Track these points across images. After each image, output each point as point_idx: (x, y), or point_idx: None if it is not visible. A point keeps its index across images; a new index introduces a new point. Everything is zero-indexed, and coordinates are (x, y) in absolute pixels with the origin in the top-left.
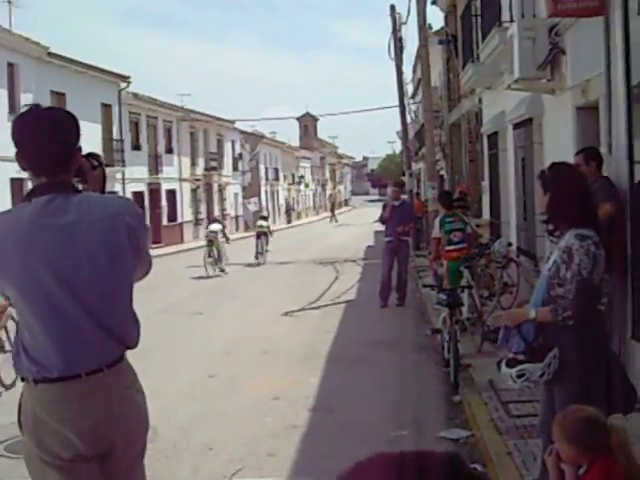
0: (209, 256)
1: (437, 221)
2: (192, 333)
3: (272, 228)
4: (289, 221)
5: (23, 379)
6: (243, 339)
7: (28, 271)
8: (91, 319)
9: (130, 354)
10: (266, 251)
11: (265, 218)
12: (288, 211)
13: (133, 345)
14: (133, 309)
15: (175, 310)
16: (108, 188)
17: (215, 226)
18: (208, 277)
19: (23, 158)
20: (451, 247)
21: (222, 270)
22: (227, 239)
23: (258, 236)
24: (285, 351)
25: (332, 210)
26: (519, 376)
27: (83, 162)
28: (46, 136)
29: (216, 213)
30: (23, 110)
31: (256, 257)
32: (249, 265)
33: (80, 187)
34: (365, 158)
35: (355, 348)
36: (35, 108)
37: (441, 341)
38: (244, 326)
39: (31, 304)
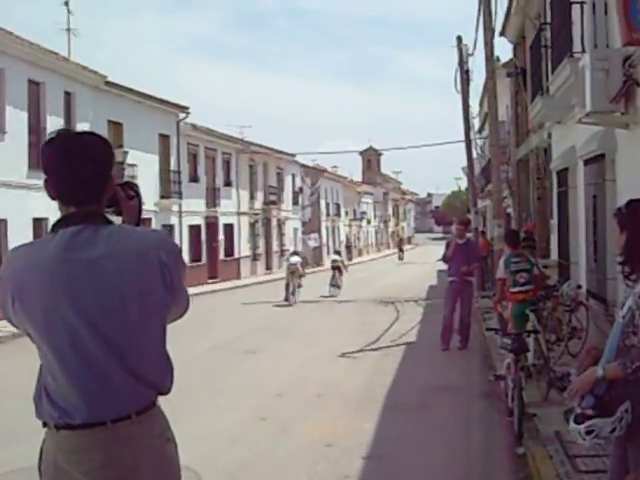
0: (288, 286)
1: (502, 261)
2: (244, 373)
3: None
4: (350, 258)
5: (45, 424)
6: (297, 380)
7: (51, 308)
8: (119, 362)
9: (179, 395)
10: (340, 284)
11: (339, 253)
12: (349, 247)
13: (165, 391)
14: (166, 351)
15: (228, 348)
16: (165, 221)
17: (295, 258)
18: (277, 306)
19: (52, 186)
20: (516, 289)
21: (294, 293)
22: (303, 273)
23: (332, 269)
24: (341, 394)
25: (400, 247)
26: (588, 432)
27: (117, 191)
28: (77, 163)
29: (274, 249)
30: (52, 135)
31: (329, 291)
32: (312, 301)
33: (114, 218)
34: (429, 194)
35: (414, 393)
36: (65, 132)
37: (505, 388)
38: (299, 366)
39: (54, 344)
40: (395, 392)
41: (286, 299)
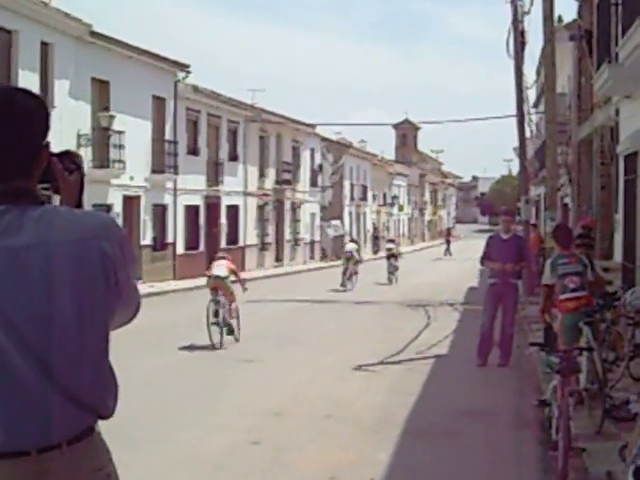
0: (345, 272)
1: (548, 263)
2: (237, 386)
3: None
4: (376, 251)
5: None
6: (301, 397)
7: None
8: (47, 377)
9: (158, 409)
10: (396, 270)
11: (392, 241)
12: (376, 238)
13: (107, 414)
14: (109, 364)
15: (220, 355)
16: (157, 199)
17: (352, 246)
18: (342, 290)
19: None
20: (566, 295)
21: (351, 279)
22: (360, 259)
23: (388, 258)
24: (352, 416)
25: (447, 239)
26: None
27: (54, 163)
28: (0, 126)
29: (287, 237)
30: None
31: (388, 279)
32: (326, 301)
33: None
34: (475, 178)
35: (440, 418)
36: None
37: (549, 416)
38: (305, 380)
39: None
40: (418, 416)
41: (342, 284)
